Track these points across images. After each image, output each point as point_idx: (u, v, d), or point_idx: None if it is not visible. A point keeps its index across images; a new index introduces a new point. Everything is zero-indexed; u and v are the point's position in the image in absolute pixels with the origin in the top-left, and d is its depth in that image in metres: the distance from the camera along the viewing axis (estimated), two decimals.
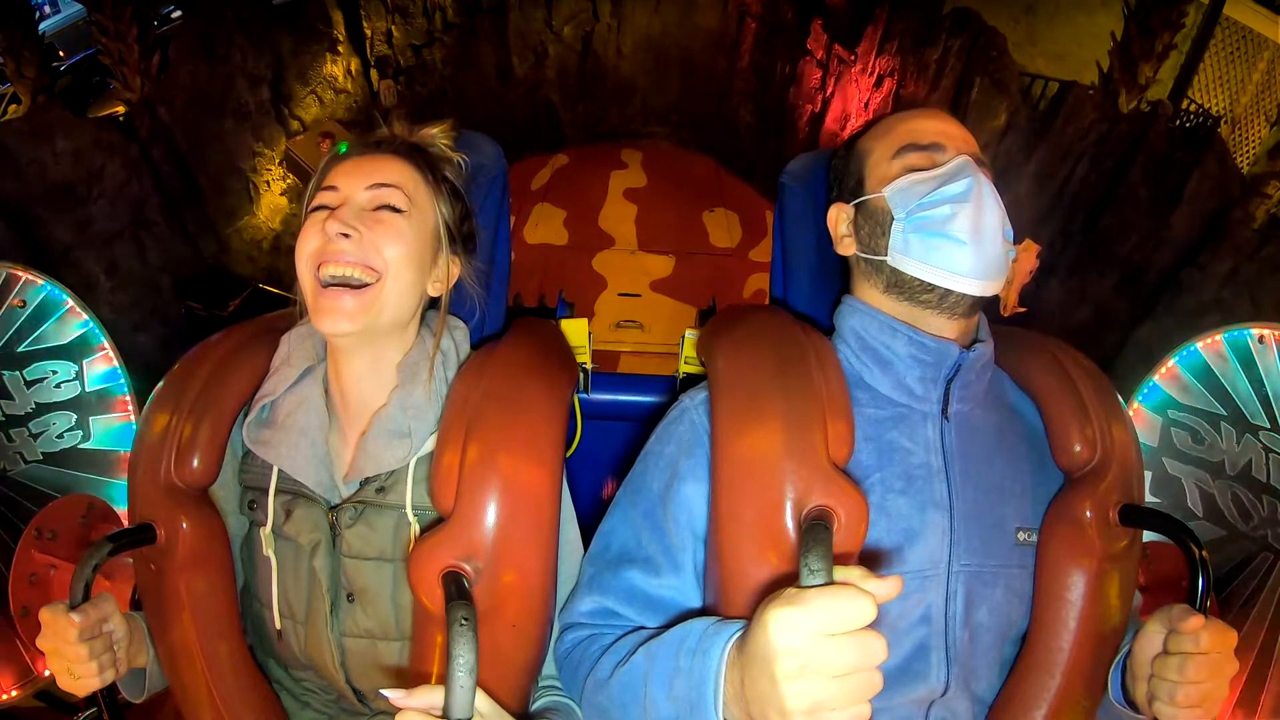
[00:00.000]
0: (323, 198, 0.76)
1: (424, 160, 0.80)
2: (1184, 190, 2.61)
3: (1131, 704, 0.71)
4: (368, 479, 0.75)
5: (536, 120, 4.86)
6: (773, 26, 4.50)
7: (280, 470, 0.76)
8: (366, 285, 0.72)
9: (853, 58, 4.05)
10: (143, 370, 1.36)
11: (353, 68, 3.83)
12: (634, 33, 4.77)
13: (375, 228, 0.73)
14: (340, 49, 3.73)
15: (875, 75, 3.90)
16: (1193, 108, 4.26)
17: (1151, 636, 0.66)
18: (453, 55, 4.35)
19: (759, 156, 4.79)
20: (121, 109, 2.99)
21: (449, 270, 0.81)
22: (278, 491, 0.76)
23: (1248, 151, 4.41)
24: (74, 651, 0.67)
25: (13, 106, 2.96)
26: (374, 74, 3.95)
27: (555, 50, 4.72)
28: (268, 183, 3.41)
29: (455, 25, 4.30)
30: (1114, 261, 2.75)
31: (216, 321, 2.79)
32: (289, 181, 3.47)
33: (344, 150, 0.81)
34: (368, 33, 3.90)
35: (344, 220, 0.72)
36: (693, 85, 4.90)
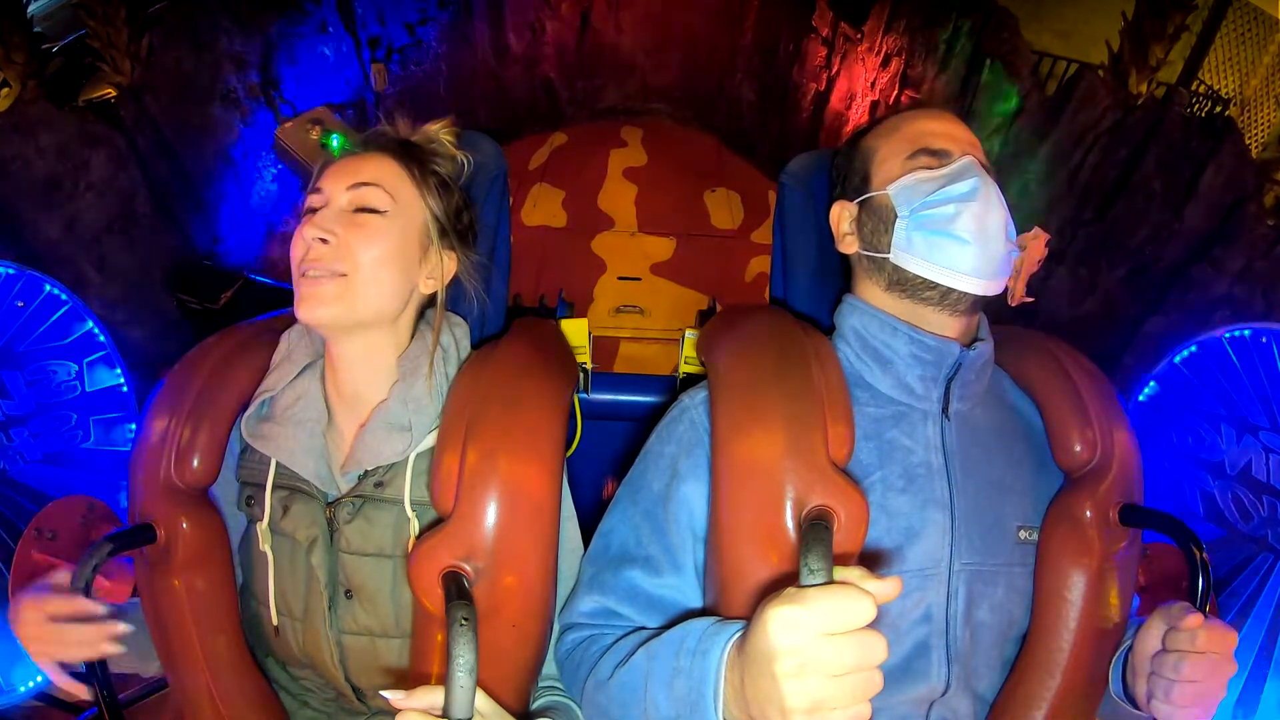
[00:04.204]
0: (310, 200, 0.76)
1: (409, 155, 0.79)
2: (1198, 183, 2.57)
3: (1132, 700, 0.71)
4: (366, 473, 0.75)
5: (534, 98, 4.77)
6: (777, 2, 4.40)
7: (278, 465, 0.76)
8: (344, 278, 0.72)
9: (859, 36, 3.97)
10: (137, 366, 1.36)
11: (344, 48, 3.75)
12: (634, 8, 4.67)
13: (352, 229, 0.73)
14: (330, 29, 3.64)
15: (882, 54, 3.82)
16: (1202, 89, 4.19)
17: (1152, 633, 0.67)
18: (447, 33, 4.26)
19: (762, 135, 4.72)
20: (113, 92, 2.94)
21: (443, 265, 0.80)
22: (275, 487, 0.76)
23: (1257, 135, 4.36)
24: (79, 607, 0.67)
25: (4, 90, 2.91)
26: (366, 54, 3.86)
27: (553, 26, 4.61)
28: (259, 169, 3.36)
29: (450, 2, 4.21)
30: (1124, 253, 2.72)
31: (209, 315, 2.77)
32: (280, 168, 3.43)
33: (335, 147, 0.80)
34: (358, 12, 3.81)
35: (320, 225, 0.72)
36: (694, 62, 4.81)
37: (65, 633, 0.68)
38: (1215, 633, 0.63)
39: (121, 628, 0.70)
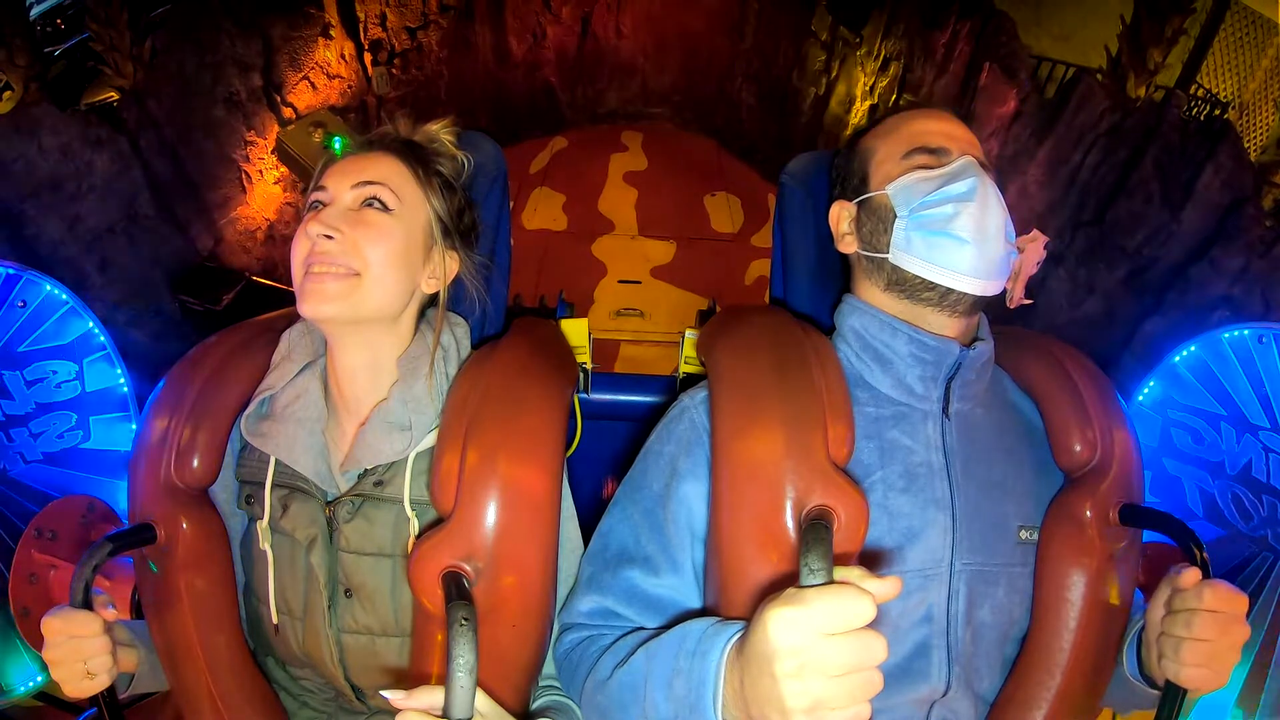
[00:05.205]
0: (314, 198, 0.76)
1: (413, 155, 0.79)
2: (1196, 184, 2.58)
3: (1148, 679, 0.71)
4: (366, 472, 0.75)
5: (535, 102, 4.79)
6: (776, 7, 4.42)
7: (277, 464, 0.76)
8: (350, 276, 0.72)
9: (858, 40, 3.98)
10: (138, 366, 1.36)
11: (346, 52, 3.76)
12: (634, 13, 4.69)
13: (358, 227, 0.73)
14: (333, 33, 3.65)
15: (881, 58, 3.84)
16: (1200, 92, 4.21)
17: (1161, 600, 0.67)
18: (448, 38, 4.27)
19: (761, 139, 4.74)
20: (116, 95, 2.95)
21: (445, 265, 0.80)
22: (275, 485, 0.76)
23: (1256, 138, 4.38)
24: (99, 643, 0.67)
25: (7, 93, 2.92)
26: (367, 58, 3.88)
27: (553, 31, 4.64)
28: (261, 171, 3.37)
29: (451, 7, 4.23)
30: (1123, 254, 2.73)
31: (211, 316, 2.78)
32: (282, 170, 3.44)
33: (338, 149, 0.80)
34: (361, 16, 3.83)
35: (326, 222, 0.72)
36: (694, 66, 4.83)
37: (100, 659, 0.68)
38: (1222, 591, 0.63)
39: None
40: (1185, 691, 0.65)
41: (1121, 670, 0.74)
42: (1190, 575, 0.63)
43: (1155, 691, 0.70)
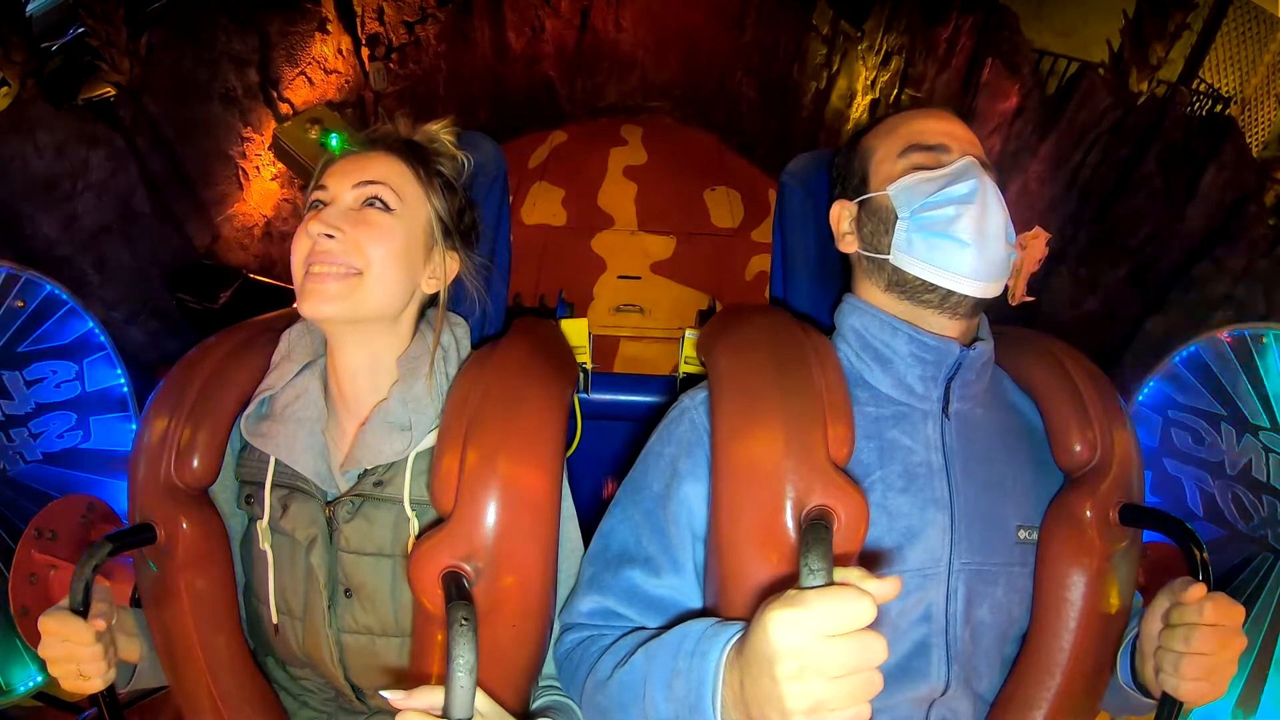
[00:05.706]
0: (314, 197, 0.76)
1: (414, 155, 0.79)
2: (1199, 182, 2.57)
3: (1141, 687, 0.71)
4: (366, 472, 0.75)
5: (534, 96, 4.77)
6: (777, 1, 4.40)
7: (277, 464, 0.76)
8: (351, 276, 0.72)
9: (859, 34, 3.96)
10: (136, 365, 1.36)
11: (343, 47, 3.74)
12: (633, 6, 4.67)
13: (360, 226, 0.73)
14: (330, 28, 3.63)
15: (882, 53, 3.82)
16: (1202, 88, 4.19)
17: (1157, 612, 0.67)
18: (447, 31, 4.25)
19: (762, 134, 4.72)
20: (112, 91, 2.94)
21: (446, 265, 0.80)
22: (275, 485, 0.76)
23: (1258, 134, 4.37)
24: (90, 652, 0.67)
25: (3, 89, 2.91)
26: (365, 53, 3.85)
27: (552, 24, 4.62)
28: (258, 168, 3.35)
29: (449, 1, 4.20)
30: (1125, 252, 2.72)
31: (209, 314, 2.77)
32: (279, 167, 3.42)
33: (337, 148, 0.80)
34: (358, 10, 3.80)
35: (328, 221, 0.72)
36: (694, 60, 4.82)
37: (93, 664, 0.68)
38: (1222, 604, 0.63)
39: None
40: (1181, 704, 0.65)
41: (1115, 678, 0.75)
42: (1195, 591, 0.63)
43: (1149, 700, 0.70)
